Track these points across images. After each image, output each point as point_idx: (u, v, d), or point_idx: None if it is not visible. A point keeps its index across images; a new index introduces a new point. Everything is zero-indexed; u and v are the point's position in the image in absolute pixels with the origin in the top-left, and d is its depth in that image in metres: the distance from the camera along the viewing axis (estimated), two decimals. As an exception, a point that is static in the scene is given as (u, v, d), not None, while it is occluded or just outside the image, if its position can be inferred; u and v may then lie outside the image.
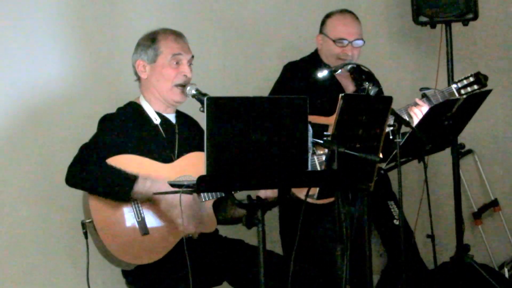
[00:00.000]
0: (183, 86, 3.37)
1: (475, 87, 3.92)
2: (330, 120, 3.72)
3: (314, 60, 4.13)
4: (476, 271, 4.69)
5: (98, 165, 3.17)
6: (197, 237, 3.25)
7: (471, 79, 3.93)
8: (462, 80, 3.95)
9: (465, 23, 4.83)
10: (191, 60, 3.44)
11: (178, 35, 3.44)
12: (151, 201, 3.20)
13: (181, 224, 3.13)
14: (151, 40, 3.41)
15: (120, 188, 3.14)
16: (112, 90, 4.10)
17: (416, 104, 3.84)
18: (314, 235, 3.85)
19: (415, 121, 3.80)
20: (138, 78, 3.46)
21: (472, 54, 5.31)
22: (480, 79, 3.92)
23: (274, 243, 4.08)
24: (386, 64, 5.12)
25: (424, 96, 3.86)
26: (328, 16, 4.13)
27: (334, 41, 4.02)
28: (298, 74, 4.05)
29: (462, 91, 3.92)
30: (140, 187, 3.15)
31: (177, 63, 3.39)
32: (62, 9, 4.11)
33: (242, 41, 4.67)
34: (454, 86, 3.95)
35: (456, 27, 4.91)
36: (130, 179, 3.15)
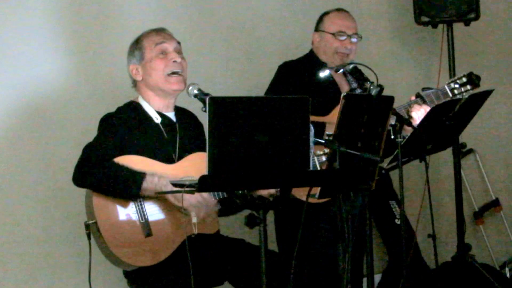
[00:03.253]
0: (176, 73, 3.40)
1: (468, 87, 3.89)
2: (327, 119, 3.74)
3: (310, 60, 4.13)
4: (477, 271, 4.70)
5: (104, 165, 3.18)
6: (196, 234, 3.23)
7: (464, 79, 3.90)
8: (455, 80, 3.92)
9: (467, 23, 4.84)
10: (178, 48, 3.46)
11: (158, 29, 3.49)
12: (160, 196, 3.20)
13: (186, 214, 3.16)
14: (135, 42, 3.48)
15: (129, 187, 3.15)
16: (113, 90, 4.10)
17: (414, 103, 3.83)
18: (312, 235, 3.84)
19: (416, 121, 3.79)
20: (134, 83, 3.48)
21: (473, 54, 5.31)
22: (473, 79, 3.90)
23: (274, 243, 4.08)
24: (387, 63, 5.12)
25: (418, 96, 3.86)
26: (324, 14, 4.16)
27: (333, 34, 4.04)
28: (293, 74, 4.04)
29: (456, 91, 3.91)
30: (148, 184, 3.16)
31: (163, 53, 3.41)
32: (61, 8, 4.11)
33: (244, 41, 4.67)
34: (447, 87, 3.93)
35: (458, 27, 4.91)
36: (138, 177, 3.16)
